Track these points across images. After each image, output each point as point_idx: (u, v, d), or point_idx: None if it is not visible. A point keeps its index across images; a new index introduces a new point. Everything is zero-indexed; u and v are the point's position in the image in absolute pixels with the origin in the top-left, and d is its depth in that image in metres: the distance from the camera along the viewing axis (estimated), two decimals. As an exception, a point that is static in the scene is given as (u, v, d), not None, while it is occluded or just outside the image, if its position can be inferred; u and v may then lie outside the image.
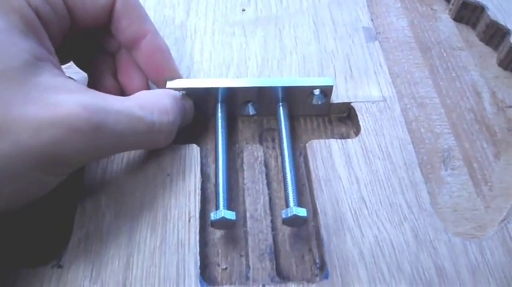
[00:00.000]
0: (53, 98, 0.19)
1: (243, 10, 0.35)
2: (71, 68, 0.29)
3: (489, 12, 0.34)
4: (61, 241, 0.23)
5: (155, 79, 0.27)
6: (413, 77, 0.33)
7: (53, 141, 0.19)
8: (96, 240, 0.23)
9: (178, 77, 0.28)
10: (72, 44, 0.26)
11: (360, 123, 0.28)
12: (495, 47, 0.35)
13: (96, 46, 0.28)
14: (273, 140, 0.29)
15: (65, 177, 0.21)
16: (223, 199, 0.24)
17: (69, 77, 0.22)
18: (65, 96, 0.19)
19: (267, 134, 0.29)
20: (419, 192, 0.25)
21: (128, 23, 0.26)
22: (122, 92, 0.28)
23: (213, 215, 0.23)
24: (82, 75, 0.29)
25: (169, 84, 0.27)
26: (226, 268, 0.24)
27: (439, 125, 0.31)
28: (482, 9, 0.35)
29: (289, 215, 0.23)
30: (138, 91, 0.26)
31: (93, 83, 0.27)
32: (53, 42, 0.22)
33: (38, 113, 0.18)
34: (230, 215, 0.23)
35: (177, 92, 0.26)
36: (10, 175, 0.18)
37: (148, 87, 0.28)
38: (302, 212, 0.23)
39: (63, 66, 0.25)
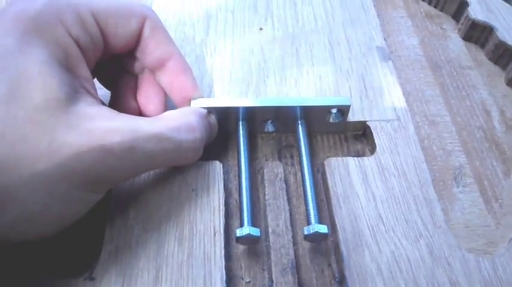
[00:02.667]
0: (89, 125, 0.21)
1: (261, 29, 0.36)
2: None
3: (498, 33, 0.36)
4: (93, 254, 0.25)
5: (178, 99, 0.28)
6: (425, 95, 0.35)
7: (93, 163, 0.20)
8: (126, 253, 0.24)
9: (201, 96, 0.29)
10: (98, 65, 0.27)
11: (376, 141, 0.29)
12: (503, 67, 0.36)
13: (120, 67, 0.29)
14: (292, 157, 0.30)
15: (104, 193, 0.23)
16: (248, 216, 0.25)
17: (103, 104, 0.23)
18: (100, 123, 0.21)
19: (285, 151, 0.31)
20: (433, 209, 0.26)
21: (155, 46, 0.27)
22: (140, 112, 0.29)
23: (239, 232, 0.24)
24: (104, 91, 0.30)
25: (193, 103, 0.28)
26: (249, 282, 0.25)
27: (450, 142, 0.32)
28: (491, 29, 0.36)
29: (311, 232, 0.24)
30: (154, 113, 0.28)
31: (114, 103, 0.29)
32: (89, 68, 0.24)
33: (78, 139, 0.20)
34: (255, 231, 0.24)
35: (202, 109, 0.28)
36: (59, 197, 0.20)
37: (165, 110, 0.29)
38: (323, 229, 0.24)
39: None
